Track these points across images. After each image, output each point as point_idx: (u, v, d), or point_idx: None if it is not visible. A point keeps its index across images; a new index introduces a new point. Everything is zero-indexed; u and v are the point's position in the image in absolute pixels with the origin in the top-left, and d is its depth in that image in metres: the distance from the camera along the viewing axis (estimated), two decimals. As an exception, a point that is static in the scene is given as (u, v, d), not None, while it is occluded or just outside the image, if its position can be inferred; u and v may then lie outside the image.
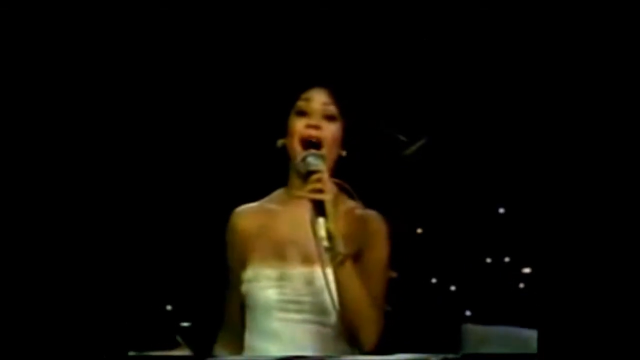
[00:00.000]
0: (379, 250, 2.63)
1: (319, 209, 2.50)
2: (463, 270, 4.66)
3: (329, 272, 2.54)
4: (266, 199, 2.74)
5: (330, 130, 2.58)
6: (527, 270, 4.63)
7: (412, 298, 4.58)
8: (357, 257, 2.59)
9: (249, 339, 2.69)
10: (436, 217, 4.66)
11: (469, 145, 4.65)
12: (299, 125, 2.58)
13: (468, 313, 4.56)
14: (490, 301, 4.59)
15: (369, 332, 2.56)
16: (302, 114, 2.60)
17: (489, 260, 4.60)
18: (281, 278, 2.63)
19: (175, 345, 3.76)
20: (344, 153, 2.63)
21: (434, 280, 4.67)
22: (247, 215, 2.74)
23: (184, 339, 3.95)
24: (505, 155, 4.54)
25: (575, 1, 2.27)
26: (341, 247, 2.51)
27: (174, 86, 4.63)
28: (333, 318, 2.62)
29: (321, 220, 2.48)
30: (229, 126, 4.50)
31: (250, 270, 2.66)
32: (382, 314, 2.61)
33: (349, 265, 2.53)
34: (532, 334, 3.44)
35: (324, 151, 2.57)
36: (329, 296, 2.55)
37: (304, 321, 2.61)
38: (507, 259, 4.59)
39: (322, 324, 2.62)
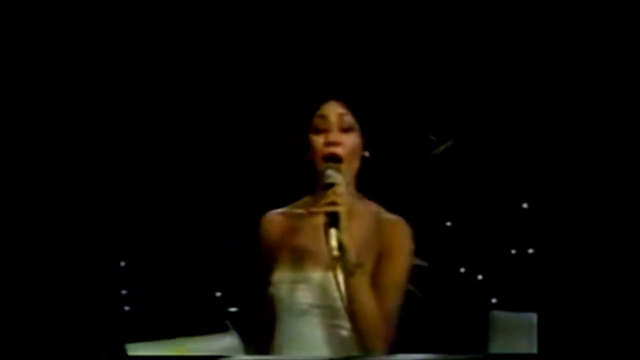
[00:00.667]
0: (400, 259, 2.60)
1: (333, 220, 2.50)
2: (490, 261, 4.71)
3: (341, 279, 2.52)
4: (294, 204, 2.75)
5: (348, 143, 2.60)
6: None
7: (442, 286, 4.63)
8: (377, 262, 2.58)
9: (277, 339, 2.66)
10: (465, 212, 4.71)
11: (494, 147, 4.68)
12: (318, 143, 2.59)
13: (494, 300, 4.59)
14: (515, 289, 4.62)
15: (375, 345, 2.53)
16: (320, 131, 2.60)
17: (513, 251, 4.66)
18: (303, 281, 2.61)
19: (225, 329, 4.16)
20: (367, 154, 2.63)
21: (462, 270, 4.72)
22: (274, 220, 2.74)
23: (232, 324, 4.31)
24: (528, 156, 4.51)
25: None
26: (352, 258, 2.50)
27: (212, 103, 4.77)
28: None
29: (333, 231, 2.49)
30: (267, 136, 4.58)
31: (276, 273, 2.65)
32: (393, 327, 2.58)
33: (359, 277, 2.51)
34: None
35: (343, 165, 2.57)
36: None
37: (326, 325, 2.59)
38: (530, 251, 4.63)
39: (344, 327, 2.59)
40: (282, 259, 2.66)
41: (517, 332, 3.88)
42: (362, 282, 2.51)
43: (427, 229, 4.54)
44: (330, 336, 2.57)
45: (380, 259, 2.58)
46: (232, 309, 4.83)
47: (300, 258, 2.63)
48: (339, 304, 2.54)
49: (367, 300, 2.51)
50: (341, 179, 2.54)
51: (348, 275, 2.49)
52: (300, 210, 2.70)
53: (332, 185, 2.54)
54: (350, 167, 2.60)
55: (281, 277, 2.64)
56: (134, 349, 3.80)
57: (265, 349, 2.65)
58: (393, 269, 2.58)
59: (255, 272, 2.73)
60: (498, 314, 3.99)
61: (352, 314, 2.52)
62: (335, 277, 2.48)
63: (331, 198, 2.50)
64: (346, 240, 2.48)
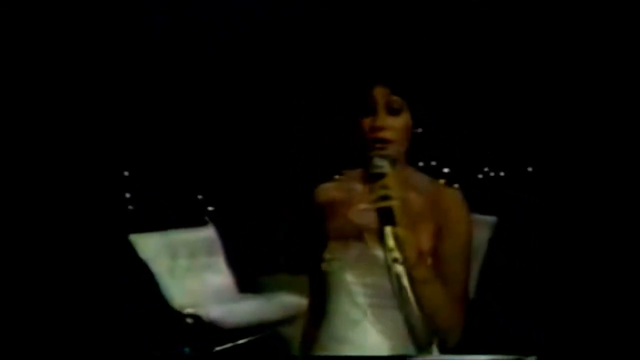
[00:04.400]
0: (461, 229, 2.30)
1: (386, 216, 2.18)
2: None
3: (404, 278, 2.21)
4: (346, 176, 2.44)
5: (395, 127, 2.28)
6: (446, 170, 4.99)
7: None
8: (437, 235, 2.30)
9: (327, 319, 2.37)
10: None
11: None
12: (365, 127, 2.28)
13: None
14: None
15: (452, 334, 2.28)
16: (367, 113, 2.29)
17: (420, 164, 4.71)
18: (359, 259, 2.33)
19: (204, 224, 4.80)
20: (419, 130, 2.33)
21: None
22: (328, 193, 2.44)
23: (210, 220, 4.94)
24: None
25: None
26: (413, 256, 2.20)
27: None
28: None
29: (388, 229, 2.18)
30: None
31: (327, 250, 2.38)
32: (464, 305, 2.30)
33: (425, 275, 2.22)
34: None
35: (390, 151, 2.25)
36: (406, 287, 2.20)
37: (376, 305, 2.32)
38: (433, 163, 4.93)
39: (394, 307, 2.28)
40: (333, 234, 2.39)
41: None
42: (429, 275, 2.25)
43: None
44: (380, 318, 2.33)
45: (440, 232, 2.31)
46: (210, 208, 5.24)
47: (349, 235, 2.36)
48: (388, 283, 2.24)
49: (437, 292, 2.25)
50: (390, 168, 2.24)
51: (412, 275, 2.21)
52: (353, 183, 2.39)
53: (380, 175, 2.24)
54: (400, 149, 2.30)
55: (332, 253, 2.37)
56: (135, 239, 4.39)
57: (313, 328, 2.41)
58: (455, 241, 2.31)
59: (308, 246, 2.48)
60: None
61: (424, 309, 2.25)
62: (393, 278, 2.20)
63: (381, 192, 2.21)
64: (404, 235, 2.20)
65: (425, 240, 2.28)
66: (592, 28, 1.99)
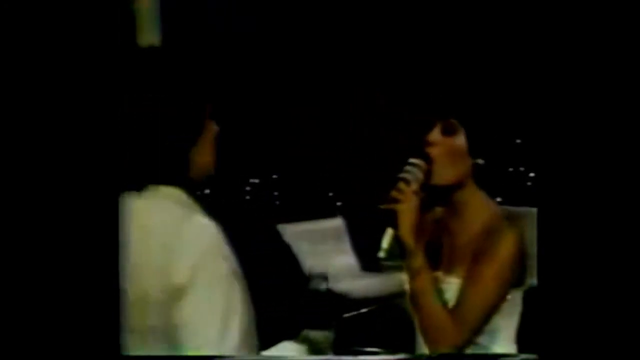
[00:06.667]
0: (492, 264, 2.23)
1: (389, 218, 2.22)
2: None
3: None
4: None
5: (445, 146, 2.29)
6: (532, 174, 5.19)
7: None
8: (474, 259, 2.26)
9: None
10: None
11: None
12: (424, 143, 2.28)
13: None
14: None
15: (436, 347, 2.23)
16: (426, 131, 2.30)
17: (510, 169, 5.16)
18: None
19: (334, 216, 5.45)
20: (480, 161, 2.30)
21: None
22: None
23: (339, 212, 5.57)
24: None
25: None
26: (413, 261, 2.21)
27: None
28: None
29: (390, 231, 2.20)
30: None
31: None
32: (468, 333, 2.23)
33: (423, 279, 2.22)
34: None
35: (436, 165, 2.27)
36: None
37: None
38: (521, 169, 5.15)
39: None
40: None
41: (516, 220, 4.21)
42: (427, 284, 2.23)
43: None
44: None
45: (476, 257, 2.27)
46: (339, 203, 5.93)
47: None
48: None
49: (431, 303, 2.22)
50: (414, 176, 2.27)
51: (411, 277, 2.24)
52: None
53: (400, 180, 2.29)
54: (446, 168, 2.30)
55: None
56: (282, 228, 4.97)
57: None
58: (481, 272, 2.25)
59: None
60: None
61: (417, 318, 2.27)
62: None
63: (393, 194, 2.26)
64: (409, 239, 2.22)
65: (462, 262, 2.30)
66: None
